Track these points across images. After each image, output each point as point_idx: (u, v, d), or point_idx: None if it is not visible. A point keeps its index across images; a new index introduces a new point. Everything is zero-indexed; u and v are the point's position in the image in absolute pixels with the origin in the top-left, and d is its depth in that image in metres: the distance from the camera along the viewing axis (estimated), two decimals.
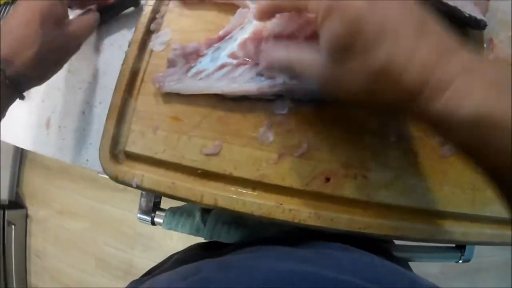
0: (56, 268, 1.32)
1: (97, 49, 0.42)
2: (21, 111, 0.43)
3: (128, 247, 1.26)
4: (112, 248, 1.28)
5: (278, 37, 0.29)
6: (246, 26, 0.32)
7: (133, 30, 0.36)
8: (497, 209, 0.34)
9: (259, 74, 0.31)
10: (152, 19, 0.36)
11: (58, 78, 0.42)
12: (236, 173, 0.30)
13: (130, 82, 0.34)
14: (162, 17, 0.36)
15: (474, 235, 0.35)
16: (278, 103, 0.31)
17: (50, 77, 0.37)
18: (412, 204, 0.33)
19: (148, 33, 0.35)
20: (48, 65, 0.35)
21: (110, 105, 0.34)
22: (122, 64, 0.35)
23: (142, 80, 0.34)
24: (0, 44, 0.31)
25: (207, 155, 0.30)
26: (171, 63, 0.33)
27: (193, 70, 0.32)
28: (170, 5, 0.36)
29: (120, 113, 0.34)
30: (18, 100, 0.44)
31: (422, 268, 1.14)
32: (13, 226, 1.24)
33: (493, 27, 0.38)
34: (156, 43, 0.35)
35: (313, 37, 0.27)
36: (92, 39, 0.42)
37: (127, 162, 0.34)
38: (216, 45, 0.32)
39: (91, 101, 0.40)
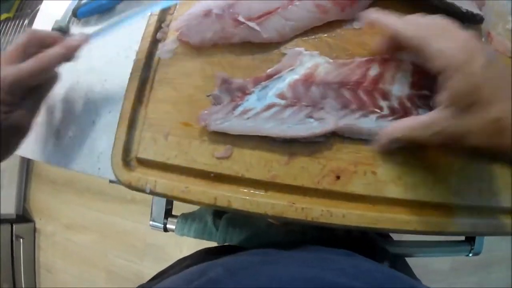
0: (66, 282, 1.32)
1: (104, 60, 0.43)
2: None
3: (137, 258, 1.26)
4: (122, 260, 1.28)
5: (329, 83, 0.32)
6: (297, 68, 0.32)
7: (139, 39, 0.37)
8: (504, 199, 0.35)
9: (309, 116, 0.31)
10: (158, 28, 0.37)
11: (67, 90, 0.43)
12: (248, 175, 0.31)
13: (139, 90, 0.35)
14: (168, 25, 0.37)
15: (483, 226, 0.35)
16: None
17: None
18: (421, 197, 0.33)
19: (155, 42, 0.36)
20: None
21: (121, 113, 0.35)
22: (131, 73, 0.36)
23: (152, 88, 0.35)
24: None
25: (218, 158, 0.31)
26: (217, 100, 0.32)
27: (240, 109, 0.32)
28: (175, 14, 0.37)
29: (130, 121, 0.35)
30: None
31: (433, 265, 1.13)
32: (21, 240, 1.24)
33: (491, 20, 0.38)
34: (163, 52, 0.36)
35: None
36: (99, 49, 0.43)
37: (139, 169, 0.34)
38: (263, 83, 0.32)
39: (100, 111, 0.41)
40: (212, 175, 0.31)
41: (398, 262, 0.51)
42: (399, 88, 0.32)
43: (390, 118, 0.26)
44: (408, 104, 0.32)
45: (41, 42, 0.34)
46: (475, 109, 0.26)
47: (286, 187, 0.31)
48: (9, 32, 0.71)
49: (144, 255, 1.25)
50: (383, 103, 0.31)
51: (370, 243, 0.46)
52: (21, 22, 0.73)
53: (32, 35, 0.34)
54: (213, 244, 0.45)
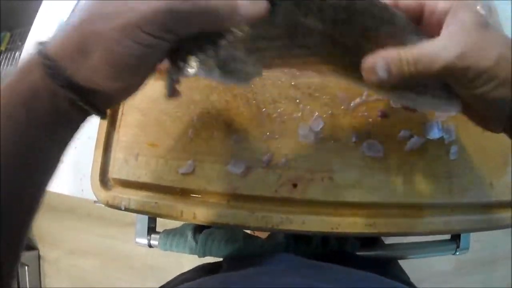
0: None
1: None
2: None
3: (140, 280, 1.27)
4: (126, 283, 1.29)
5: None
6: None
7: None
8: (478, 194, 0.36)
9: None
10: None
11: None
12: (210, 188, 0.33)
13: (112, 117, 0.38)
14: None
15: (457, 224, 0.36)
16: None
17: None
18: (384, 199, 0.34)
19: None
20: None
21: (96, 138, 0.38)
22: None
23: (122, 113, 0.38)
24: None
25: (182, 174, 0.33)
26: None
27: None
28: None
29: (105, 144, 0.37)
30: None
31: (437, 266, 1.12)
32: (26, 268, 1.26)
33: None
34: None
35: None
36: None
37: (115, 188, 0.37)
38: None
39: (80, 136, 0.43)
40: (178, 190, 0.33)
41: (390, 266, 0.51)
42: None
43: None
44: None
45: None
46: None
47: (246, 197, 0.32)
48: (1, 65, 0.75)
49: (146, 276, 1.26)
50: None
51: (347, 255, 0.46)
52: (12, 55, 0.77)
53: None
54: (211, 260, 0.46)
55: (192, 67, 0.23)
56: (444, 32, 0.22)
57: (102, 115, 0.22)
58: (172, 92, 0.26)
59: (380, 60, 0.23)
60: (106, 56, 0.19)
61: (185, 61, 0.23)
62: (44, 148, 0.21)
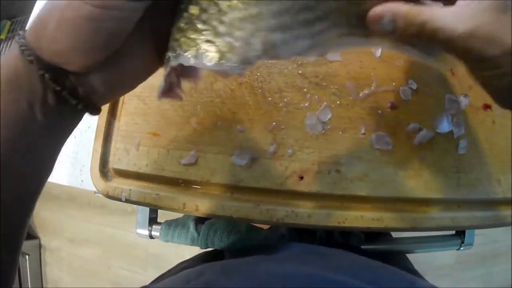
0: None
1: None
2: None
3: (141, 268, 1.28)
4: (126, 271, 1.30)
5: None
6: None
7: None
8: (485, 190, 0.35)
9: None
10: None
11: None
12: (214, 180, 0.32)
13: (112, 105, 0.37)
14: None
15: (464, 220, 0.35)
16: None
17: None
18: (392, 194, 0.34)
19: None
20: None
21: (97, 128, 0.37)
22: None
23: (123, 101, 0.37)
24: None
25: (185, 165, 0.32)
26: None
27: None
28: None
29: (106, 134, 0.36)
30: None
31: (438, 260, 1.12)
32: (27, 256, 1.27)
33: None
34: None
35: None
36: None
37: (115, 179, 0.36)
38: None
39: (80, 126, 0.42)
40: (180, 181, 0.32)
41: (396, 258, 0.51)
42: None
43: None
44: None
45: None
46: None
47: (250, 189, 0.32)
48: (1, 54, 0.74)
49: (147, 265, 1.27)
50: None
51: (352, 249, 0.45)
52: (13, 43, 0.76)
53: None
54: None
55: (185, 50, 0.19)
56: (459, 3, 0.20)
57: (87, 108, 0.22)
58: (165, 91, 0.22)
59: (388, 12, 0.21)
60: (59, 23, 0.18)
61: (176, 42, 0.19)
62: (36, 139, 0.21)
